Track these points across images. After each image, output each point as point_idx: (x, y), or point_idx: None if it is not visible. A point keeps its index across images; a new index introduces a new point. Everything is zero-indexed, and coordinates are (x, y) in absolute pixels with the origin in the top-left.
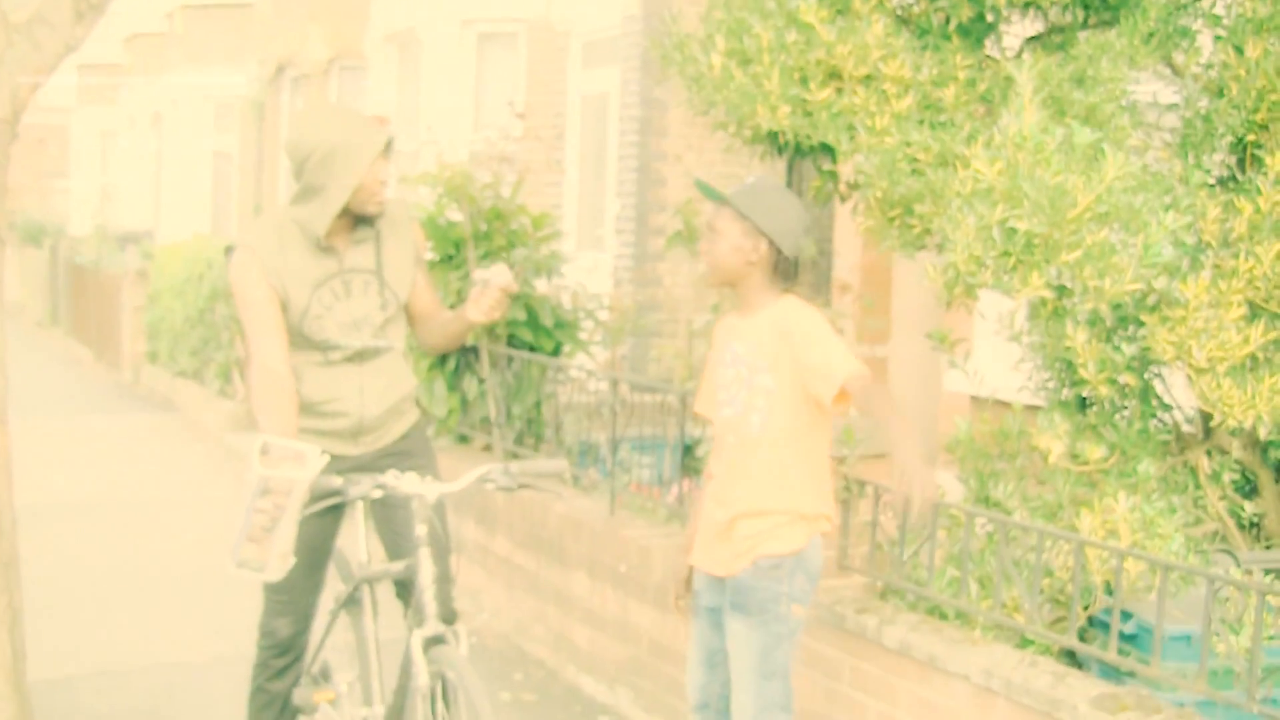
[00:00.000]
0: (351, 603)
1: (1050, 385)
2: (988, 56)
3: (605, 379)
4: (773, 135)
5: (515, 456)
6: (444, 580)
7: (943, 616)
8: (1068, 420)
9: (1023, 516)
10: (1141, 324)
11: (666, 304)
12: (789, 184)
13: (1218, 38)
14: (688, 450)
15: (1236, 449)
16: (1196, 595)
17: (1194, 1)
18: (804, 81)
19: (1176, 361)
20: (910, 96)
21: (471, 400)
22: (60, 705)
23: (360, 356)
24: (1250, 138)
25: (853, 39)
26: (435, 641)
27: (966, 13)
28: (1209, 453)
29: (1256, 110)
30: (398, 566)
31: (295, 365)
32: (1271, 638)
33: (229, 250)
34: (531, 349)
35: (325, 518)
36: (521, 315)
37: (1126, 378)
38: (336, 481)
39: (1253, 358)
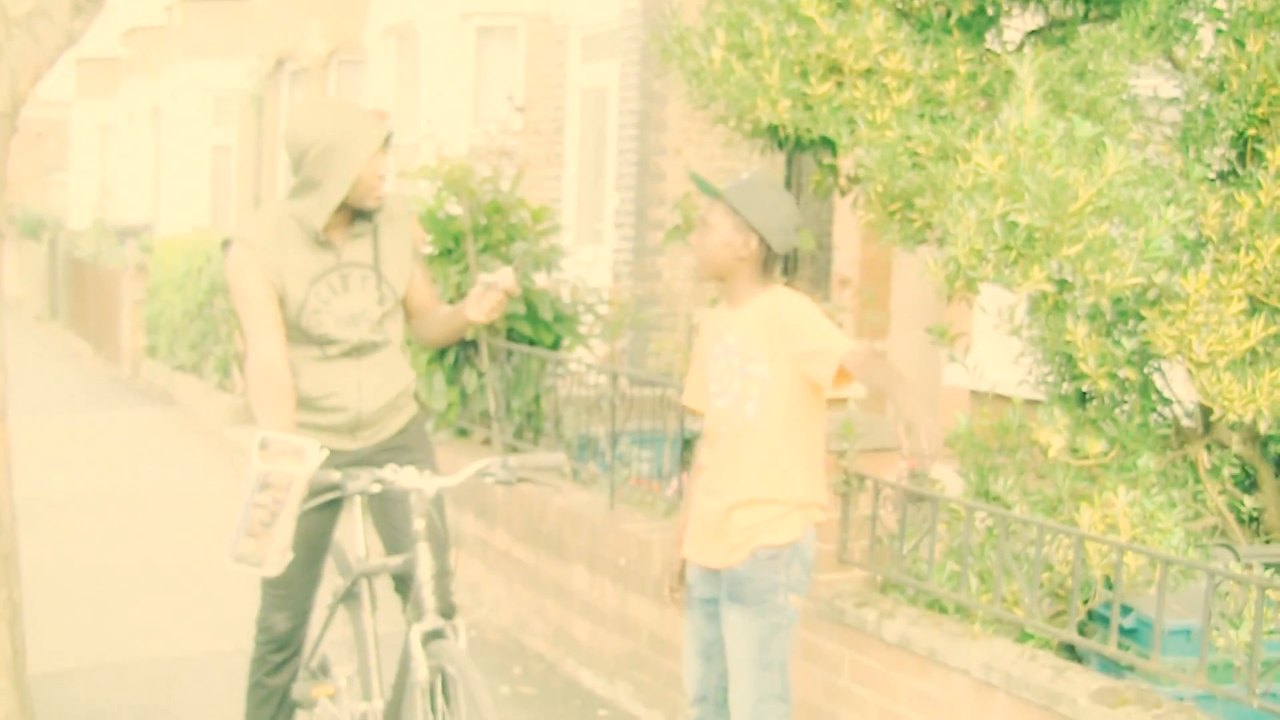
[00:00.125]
0: (350, 597)
1: (1050, 379)
2: (988, 50)
3: (604, 373)
4: (773, 129)
5: (514, 450)
6: (442, 575)
7: (943, 610)
8: (1068, 414)
9: (1023, 511)
10: (1142, 318)
11: (666, 298)
12: (789, 178)
13: (1219, 31)
14: (687, 444)
15: (1236, 443)
16: (1196, 589)
17: None
18: (804, 75)
19: (1177, 356)
20: (911, 90)
21: (471, 394)
22: (60, 699)
23: (358, 351)
24: (1251, 132)
25: (853, 33)
26: (434, 636)
27: (967, 6)
28: (1209, 447)
29: (1257, 104)
30: (396, 561)
31: (293, 360)
32: (1271, 632)
33: (226, 244)
34: (531, 343)
35: (323, 512)
36: (521, 309)
37: (1127, 372)
38: (335, 476)
39: (1253, 352)
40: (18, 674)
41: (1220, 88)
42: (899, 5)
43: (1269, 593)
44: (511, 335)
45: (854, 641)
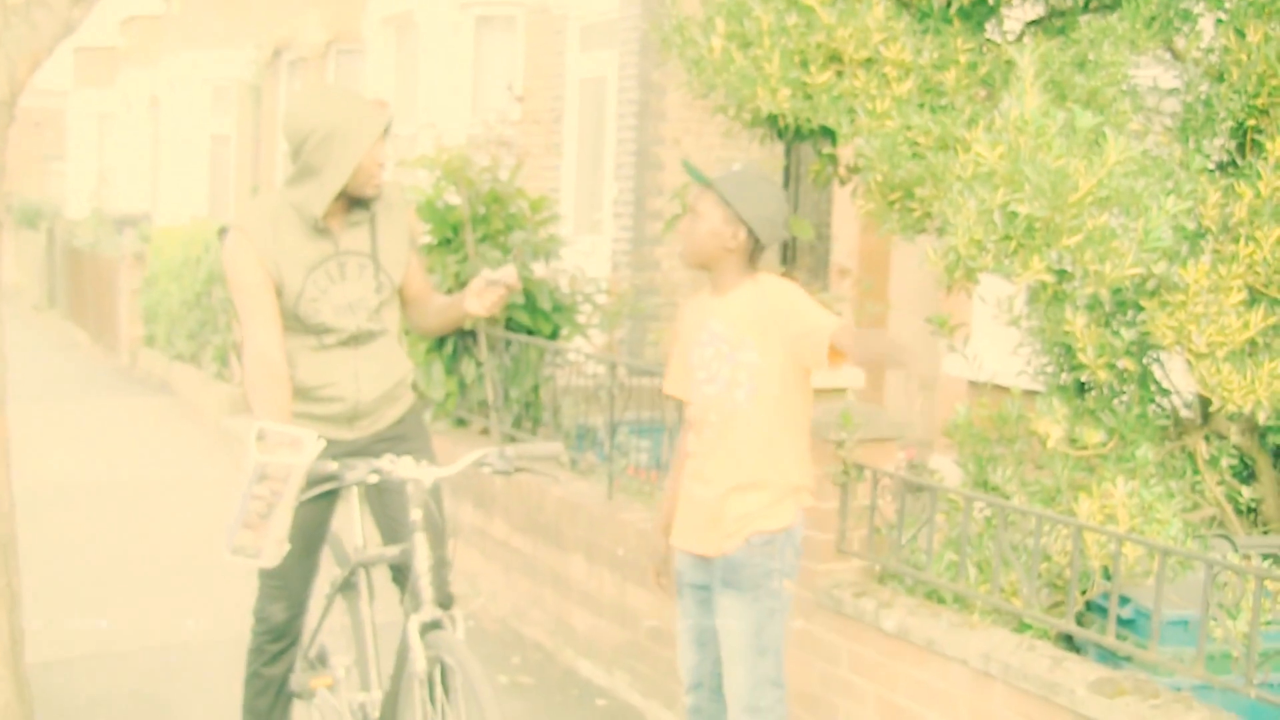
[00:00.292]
0: (347, 587)
1: (1049, 370)
2: (989, 40)
3: (603, 362)
4: (772, 118)
5: (513, 440)
6: (440, 565)
7: (941, 600)
8: (1066, 405)
9: (1021, 501)
10: (1141, 309)
11: (664, 288)
12: (788, 167)
13: (1219, 22)
14: None
15: (1235, 434)
16: (1194, 580)
17: None
18: (804, 64)
19: (1176, 346)
20: (911, 80)
21: (469, 383)
22: (58, 687)
23: (355, 340)
24: (1251, 122)
25: (853, 22)
26: (432, 626)
27: None
28: (1207, 438)
29: (1257, 95)
30: (393, 551)
31: (289, 350)
32: (1269, 622)
33: (223, 232)
34: (529, 332)
35: (320, 502)
36: (519, 299)
37: (1125, 362)
38: (332, 466)
39: (1252, 343)
40: (15, 662)
41: (1220, 78)
42: None
43: (1267, 583)
44: (510, 325)
45: (852, 631)
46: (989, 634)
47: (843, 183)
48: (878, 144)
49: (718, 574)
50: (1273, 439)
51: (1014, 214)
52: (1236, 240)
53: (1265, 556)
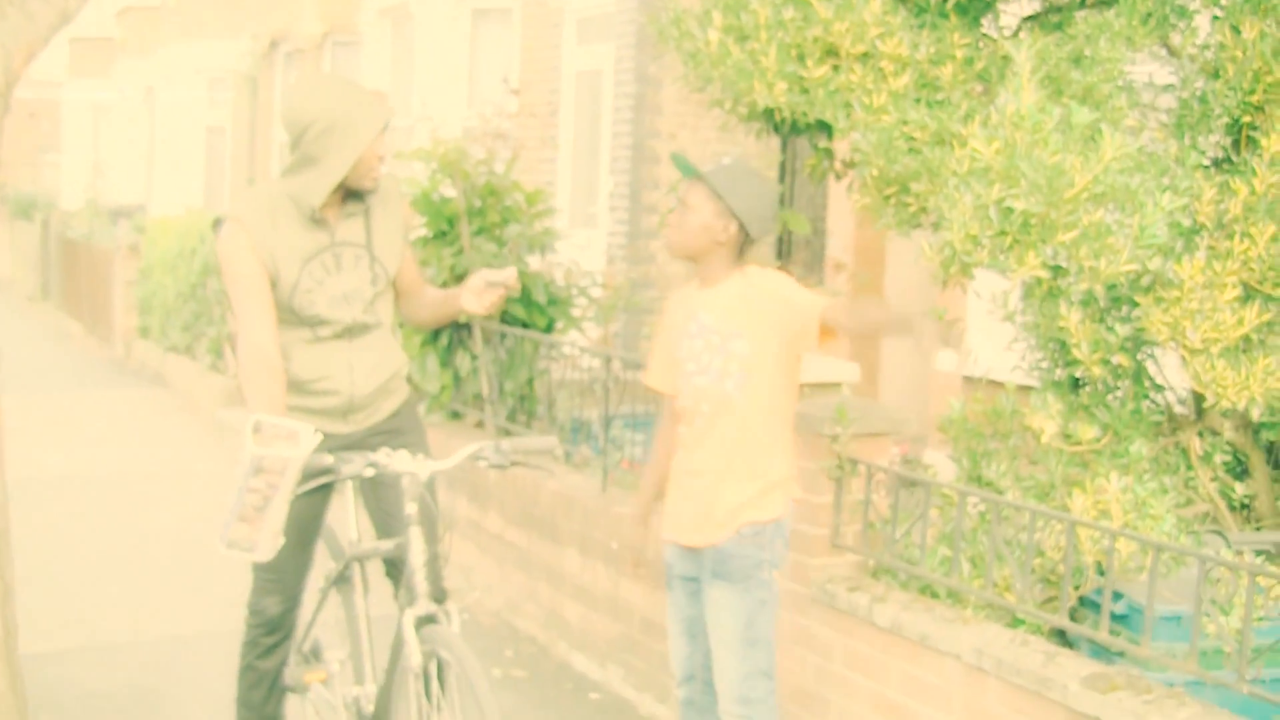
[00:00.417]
0: (341, 581)
1: (1043, 365)
2: (985, 35)
3: (598, 356)
4: (769, 112)
5: (508, 433)
6: (434, 559)
7: (934, 595)
8: (1060, 400)
9: (1015, 496)
10: (1136, 305)
11: (659, 281)
12: (784, 161)
13: (1215, 18)
14: None
15: (1228, 430)
16: (1187, 576)
17: None
18: (801, 58)
19: (1170, 342)
20: (907, 74)
21: (464, 376)
22: (51, 679)
23: (349, 333)
24: (1246, 119)
25: (850, 16)
26: (427, 621)
27: None
28: (1201, 434)
29: (1252, 91)
30: (388, 545)
31: (284, 343)
32: (1261, 618)
33: (217, 223)
34: (524, 325)
35: (314, 496)
36: (515, 292)
37: (1120, 358)
38: (328, 460)
39: (1246, 339)
40: (9, 654)
41: (1216, 74)
42: None
43: (1260, 579)
44: (505, 318)
45: (846, 626)
46: (982, 629)
47: (839, 177)
48: (874, 138)
49: (708, 565)
50: (1266, 435)
51: (1010, 209)
52: (1231, 237)
53: (1258, 552)
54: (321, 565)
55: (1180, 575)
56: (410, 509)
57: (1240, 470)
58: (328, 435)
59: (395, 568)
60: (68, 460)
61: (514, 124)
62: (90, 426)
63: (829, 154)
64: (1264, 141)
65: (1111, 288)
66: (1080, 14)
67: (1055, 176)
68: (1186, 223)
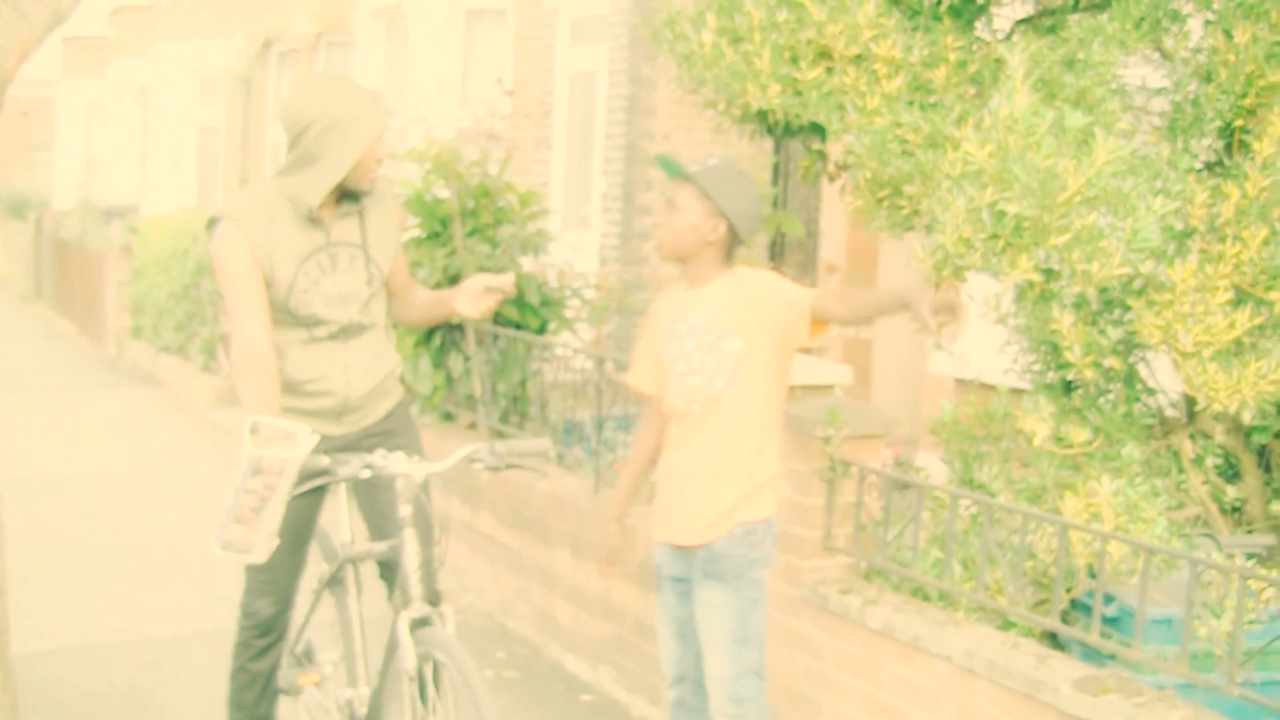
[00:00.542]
0: (335, 583)
1: (1036, 368)
2: (978, 38)
3: (591, 357)
4: (762, 114)
5: (500, 434)
6: (429, 561)
7: (926, 598)
8: (1053, 403)
9: (1007, 499)
10: (1128, 308)
11: (652, 283)
12: (778, 163)
13: (1208, 22)
14: None
15: (1220, 433)
16: (1178, 579)
17: None
18: (794, 60)
19: (1162, 346)
20: (901, 77)
21: (457, 378)
22: (44, 679)
23: (344, 333)
24: (1238, 123)
25: (844, 18)
26: (422, 623)
27: None
28: (1193, 437)
29: (1245, 95)
30: (382, 547)
31: (279, 343)
32: (1252, 621)
33: (212, 223)
34: (517, 327)
35: (308, 497)
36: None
37: (1112, 361)
38: (325, 461)
39: (1238, 342)
40: (1, 653)
41: (1208, 78)
42: None
43: (1250, 582)
44: (498, 319)
45: (837, 628)
46: (974, 631)
47: (832, 179)
48: (867, 141)
49: (699, 565)
50: (1258, 438)
51: (1002, 213)
52: (1223, 240)
53: (1249, 556)
54: (314, 567)
55: (1171, 578)
56: (405, 511)
57: (1232, 473)
58: (322, 437)
59: (389, 570)
60: (60, 460)
61: (507, 125)
62: (83, 426)
63: (822, 156)
64: (1256, 145)
65: (1104, 291)
66: (1073, 17)
67: (1048, 180)
68: (1179, 226)
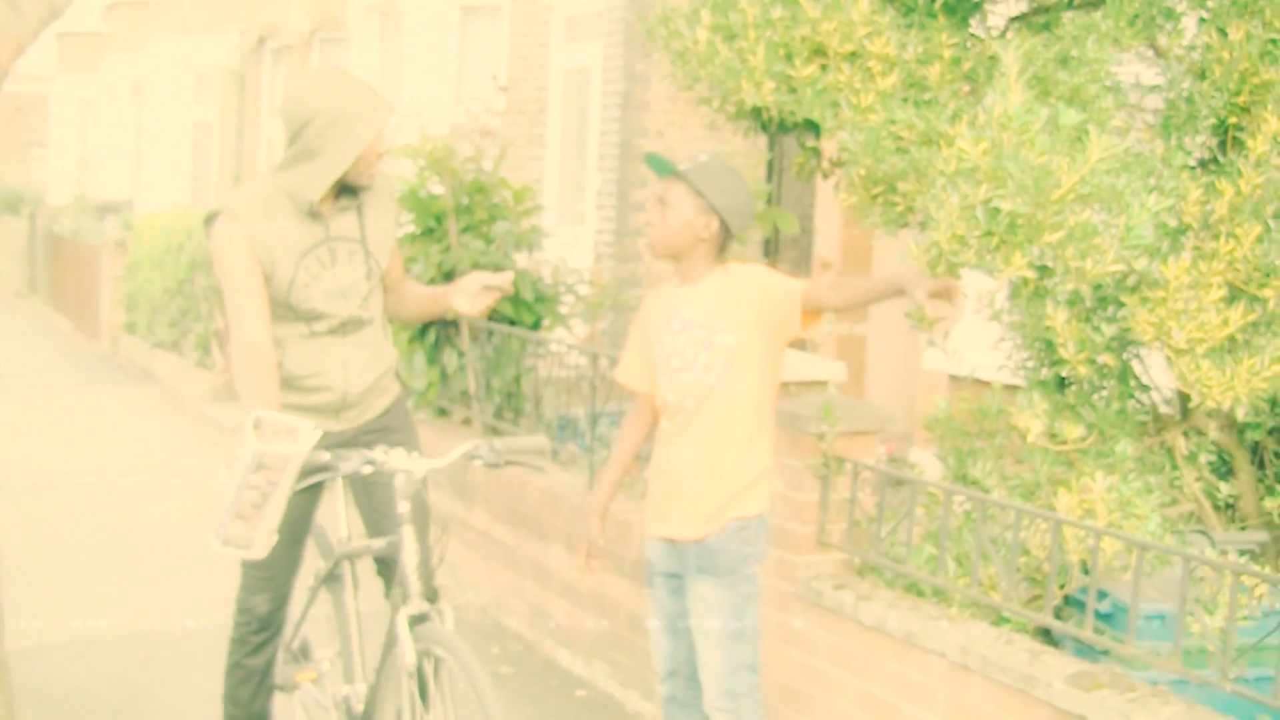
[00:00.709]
0: (331, 579)
1: (1029, 365)
2: (973, 35)
3: (585, 353)
4: (757, 111)
5: (495, 430)
6: (426, 558)
7: (920, 594)
8: (1046, 400)
9: (1001, 495)
10: (1121, 305)
11: (647, 279)
12: (771, 160)
13: (1201, 20)
14: None
15: (1213, 430)
16: (1172, 575)
17: None
18: (789, 58)
19: (1156, 342)
20: (895, 74)
21: (451, 373)
22: (37, 675)
23: (344, 328)
24: (1232, 120)
25: (838, 16)
26: (420, 620)
27: None
28: (1186, 434)
29: (1239, 93)
30: (379, 543)
31: (277, 338)
32: (1245, 617)
33: (211, 218)
34: (511, 323)
35: (306, 493)
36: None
37: (1105, 358)
38: (326, 457)
39: (1231, 339)
40: None
41: (1202, 76)
42: None
43: (1243, 578)
44: (492, 315)
45: (831, 624)
46: (967, 627)
47: (826, 176)
48: (861, 138)
49: (692, 560)
50: (1251, 435)
51: (996, 210)
52: (1217, 237)
53: (1242, 552)
54: (311, 563)
55: (1165, 574)
56: (404, 507)
57: (1225, 470)
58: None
59: (386, 566)
60: (54, 456)
61: (502, 121)
62: (77, 422)
63: (816, 153)
64: (1250, 142)
65: (1098, 288)
66: (1067, 15)
67: (1042, 177)
68: (1172, 223)
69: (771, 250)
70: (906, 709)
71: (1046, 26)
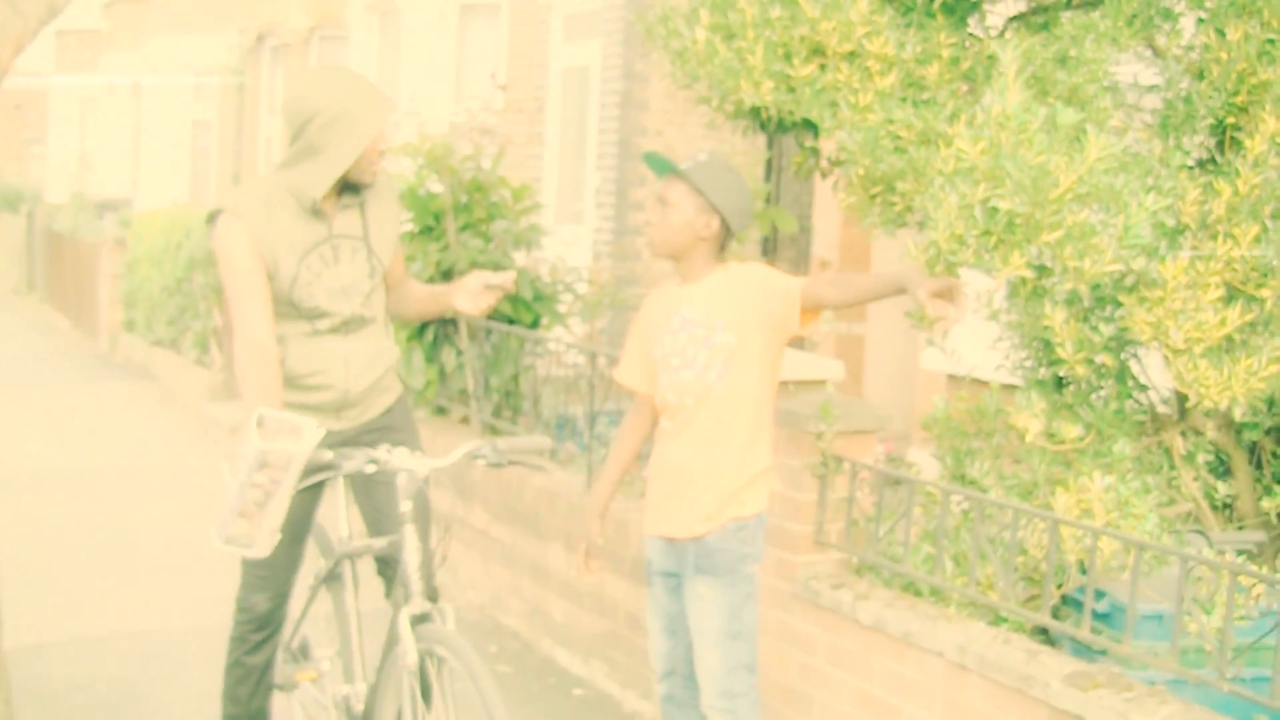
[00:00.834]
0: (332, 578)
1: (1028, 364)
2: (971, 35)
3: (583, 352)
4: (755, 111)
5: (493, 429)
6: (427, 557)
7: (918, 593)
8: (1044, 399)
9: (998, 494)
10: (1120, 305)
11: (645, 278)
12: (770, 160)
13: (1200, 20)
14: None
15: (1211, 430)
16: (1169, 575)
17: None
18: (788, 57)
19: (1153, 342)
20: (893, 74)
21: (449, 372)
22: (36, 673)
23: (346, 327)
24: (1230, 120)
25: (837, 15)
26: (422, 619)
27: None
28: (1184, 433)
29: (1236, 93)
30: (381, 543)
31: (279, 336)
32: (1242, 617)
33: (213, 216)
34: (510, 321)
35: (307, 492)
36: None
37: (1104, 358)
38: (329, 455)
39: (1229, 339)
40: None
41: (1200, 76)
42: None
43: (1241, 578)
44: (490, 314)
45: (829, 623)
46: (965, 626)
47: (824, 176)
48: (860, 137)
49: (690, 560)
50: (1248, 435)
51: (995, 209)
52: (1215, 237)
53: (1240, 552)
54: (311, 562)
55: (1162, 574)
56: (406, 507)
57: (1223, 470)
58: None
59: (387, 565)
60: (52, 453)
61: (501, 120)
62: (75, 420)
63: (815, 152)
64: (1248, 142)
65: (1096, 287)
66: (1066, 15)
67: (1040, 176)
68: (1170, 223)
69: (770, 249)
70: (904, 708)
71: (1045, 26)
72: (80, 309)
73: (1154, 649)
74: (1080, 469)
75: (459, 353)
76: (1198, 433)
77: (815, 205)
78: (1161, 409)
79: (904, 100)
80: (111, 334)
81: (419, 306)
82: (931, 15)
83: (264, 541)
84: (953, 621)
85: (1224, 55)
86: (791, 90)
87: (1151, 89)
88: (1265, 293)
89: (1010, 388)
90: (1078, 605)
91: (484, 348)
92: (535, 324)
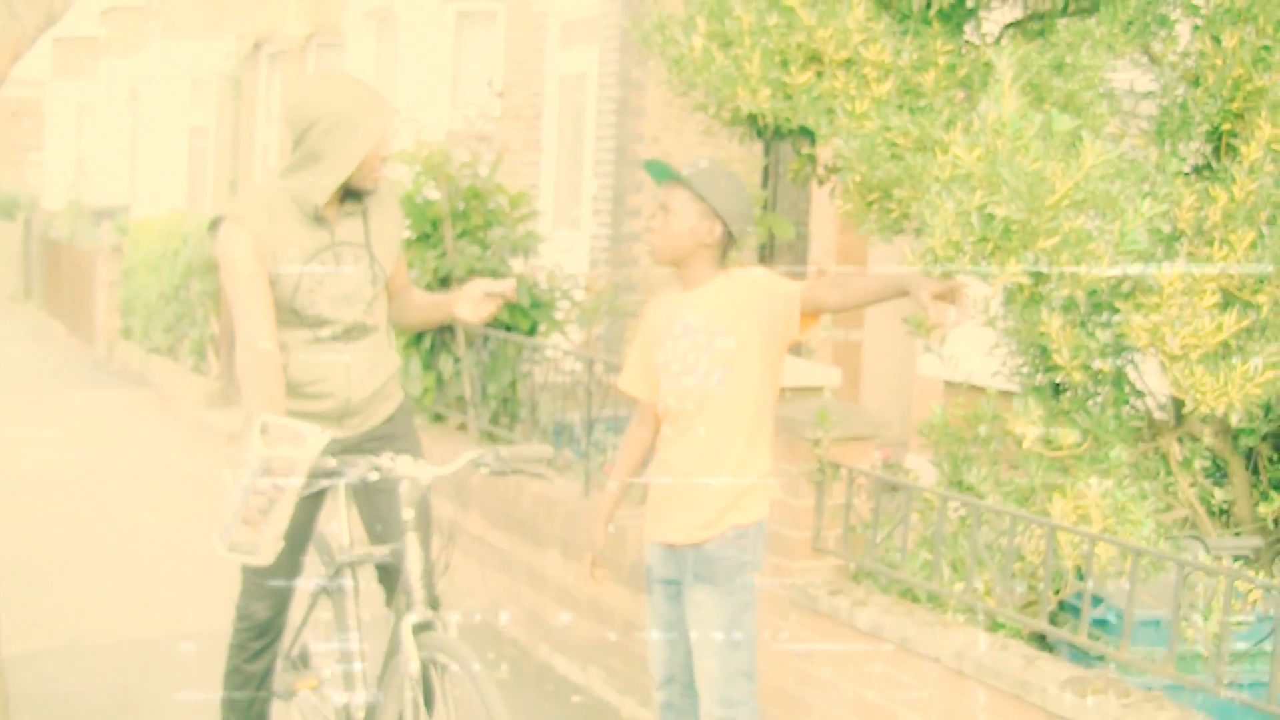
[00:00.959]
0: (332, 586)
1: (1024, 370)
2: (968, 42)
3: (581, 359)
4: (752, 118)
5: (491, 436)
6: (429, 565)
7: (915, 599)
8: (1041, 405)
9: (995, 501)
10: (1116, 310)
11: (642, 285)
12: (767, 167)
13: (1195, 27)
14: None
15: (1208, 436)
16: (1166, 580)
17: None
18: (784, 64)
19: (1150, 348)
20: (890, 81)
21: (447, 379)
22: (32, 680)
23: (348, 334)
24: (1226, 126)
25: (833, 23)
26: (424, 628)
27: None
28: (1180, 439)
29: (1232, 99)
30: (382, 551)
31: (281, 343)
32: (1239, 623)
33: (215, 223)
34: (507, 328)
35: (308, 500)
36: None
37: (1100, 364)
38: (333, 463)
39: (1225, 345)
40: None
41: (1196, 82)
42: None
43: (1237, 584)
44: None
45: (827, 629)
46: (963, 633)
47: (821, 182)
48: (856, 144)
49: (689, 567)
50: (1245, 441)
51: (991, 216)
52: (1211, 243)
53: (1236, 558)
54: (311, 570)
55: (1159, 580)
56: (408, 515)
57: (1219, 476)
58: None
59: (387, 574)
60: (49, 461)
61: (498, 127)
62: (73, 427)
63: (812, 159)
64: (1244, 149)
65: (1092, 293)
66: (1062, 21)
67: (1036, 183)
68: (1167, 229)
69: (767, 256)
70: (902, 714)
71: (1041, 33)
72: (77, 316)
73: (1151, 654)
74: (1077, 475)
75: (456, 360)
76: (1194, 438)
77: (812, 212)
78: (1158, 415)
79: (900, 107)
80: (108, 341)
81: (421, 314)
82: (928, 22)
83: (267, 549)
84: (950, 627)
85: (1219, 62)
86: (788, 97)
87: (1147, 95)
88: (1261, 298)
89: (1007, 394)
90: (1075, 611)
91: (481, 354)
92: (533, 331)
